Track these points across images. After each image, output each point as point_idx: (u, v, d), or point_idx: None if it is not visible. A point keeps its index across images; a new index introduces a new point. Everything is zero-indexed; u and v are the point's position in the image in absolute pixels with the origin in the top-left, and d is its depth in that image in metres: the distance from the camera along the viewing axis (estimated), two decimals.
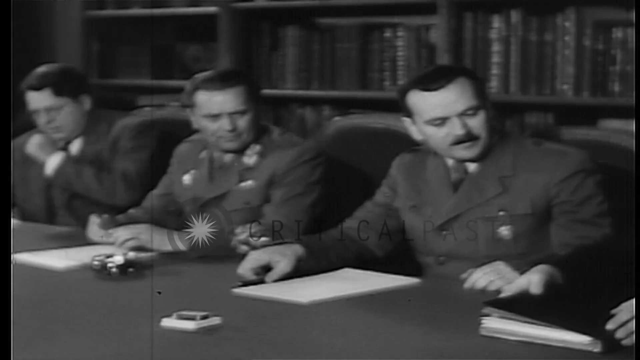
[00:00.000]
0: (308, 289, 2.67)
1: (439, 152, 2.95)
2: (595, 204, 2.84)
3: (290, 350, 2.22)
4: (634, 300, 2.17)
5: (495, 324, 2.25)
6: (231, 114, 3.30)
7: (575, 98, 3.99)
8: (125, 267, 2.85)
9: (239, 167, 3.36)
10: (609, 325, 2.15)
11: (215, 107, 3.31)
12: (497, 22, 4.16)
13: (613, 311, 2.17)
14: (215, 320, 2.35)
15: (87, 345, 2.25)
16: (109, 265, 2.85)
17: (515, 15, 4.11)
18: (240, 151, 3.37)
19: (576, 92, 4.00)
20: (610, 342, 2.12)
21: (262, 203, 3.32)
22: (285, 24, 4.71)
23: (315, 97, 4.62)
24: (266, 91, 4.64)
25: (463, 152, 2.88)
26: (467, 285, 2.68)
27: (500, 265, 2.68)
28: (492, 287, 2.62)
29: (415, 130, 2.96)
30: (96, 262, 2.87)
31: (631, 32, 3.90)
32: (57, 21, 5.49)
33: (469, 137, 2.85)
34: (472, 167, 2.93)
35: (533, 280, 2.43)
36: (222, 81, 3.32)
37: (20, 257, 3.01)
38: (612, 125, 3.89)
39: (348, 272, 2.91)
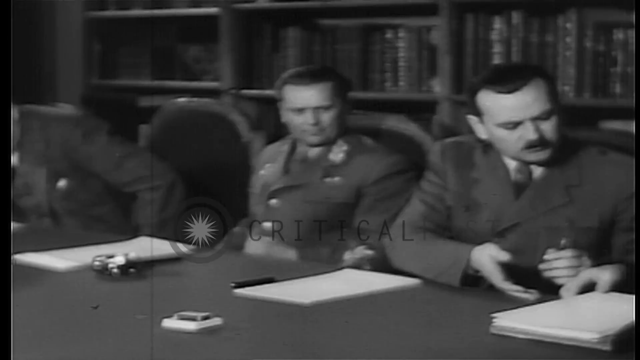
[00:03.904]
0: (309, 290, 2.66)
1: (507, 154, 2.81)
2: None
3: (291, 350, 2.21)
4: None
5: (506, 322, 2.26)
6: (315, 109, 3.35)
7: (576, 99, 3.99)
8: (126, 268, 2.85)
9: (324, 162, 3.38)
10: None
11: (300, 101, 3.37)
12: (498, 23, 4.16)
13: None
14: (216, 321, 2.34)
15: (88, 345, 2.25)
16: (110, 265, 2.85)
17: (516, 17, 4.12)
18: (325, 147, 3.39)
19: (577, 94, 4.00)
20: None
21: (346, 201, 3.33)
22: (287, 25, 4.71)
23: None
24: (267, 92, 4.65)
25: (533, 156, 2.76)
26: (544, 267, 2.59)
27: (593, 272, 2.54)
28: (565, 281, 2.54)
29: (482, 130, 2.83)
30: (97, 263, 2.87)
31: (632, 34, 3.90)
32: (58, 21, 5.49)
33: (541, 142, 2.72)
34: (537, 171, 2.81)
35: (603, 279, 2.46)
36: (310, 77, 3.39)
37: (20, 258, 3.01)
38: (613, 126, 3.89)
39: (349, 272, 2.91)
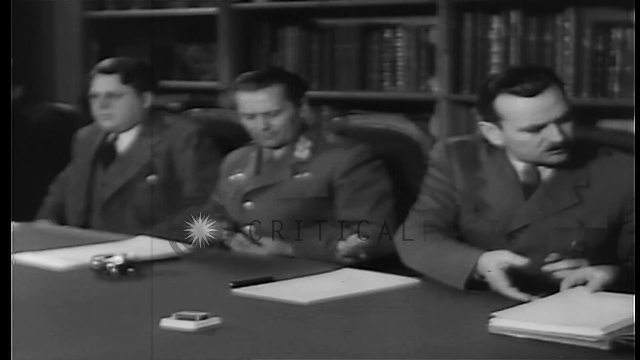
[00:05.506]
0: (308, 289, 2.67)
1: (526, 158, 2.77)
2: None
3: (290, 350, 2.22)
4: None
5: (504, 321, 2.27)
6: (265, 114, 3.34)
7: (575, 99, 3.99)
8: (124, 267, 2.85)
9: (290, 160, 3.39)
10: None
11: (249, 107, 3.37)
12: (496, 22, 4.16)
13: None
14: (214, 321, 2.35)
15: (87, 345, 2.25)
16: (109, 265, 2.85)
17: (514, 16, 4.12)
18: (288, 145, 3.40)
19: (575, 93, 4.00)
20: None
21: (318, 195, 3.33)
22: (285, 24, 4.72)
23: (315, 98, 4.61)
24: None
25: (554, 158, 2.72)
26: (548, 268, 2.59)
27: (588, 270, 2.55)
28: (567, 284, 2.53)
29: (497, 135, 2.77)
30: (95, 262, 2.87)
31: (630, 33, 3.91)
32: (57, 21, 5.49)
33: (565, 144, 2.69)
34: (545, 173, 2.79)
35: (595, 277, 2.48)
36: (257, 82, 3.36)
37: (20, 257, 3.01)
38: (612, 126, 3.90)
39: (348, 272, 2.91)
